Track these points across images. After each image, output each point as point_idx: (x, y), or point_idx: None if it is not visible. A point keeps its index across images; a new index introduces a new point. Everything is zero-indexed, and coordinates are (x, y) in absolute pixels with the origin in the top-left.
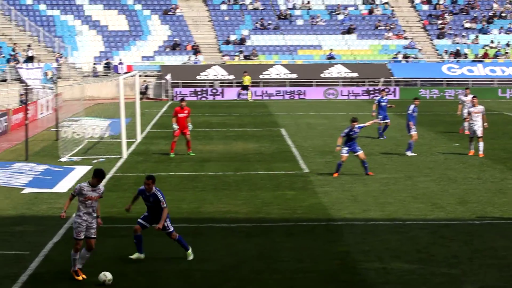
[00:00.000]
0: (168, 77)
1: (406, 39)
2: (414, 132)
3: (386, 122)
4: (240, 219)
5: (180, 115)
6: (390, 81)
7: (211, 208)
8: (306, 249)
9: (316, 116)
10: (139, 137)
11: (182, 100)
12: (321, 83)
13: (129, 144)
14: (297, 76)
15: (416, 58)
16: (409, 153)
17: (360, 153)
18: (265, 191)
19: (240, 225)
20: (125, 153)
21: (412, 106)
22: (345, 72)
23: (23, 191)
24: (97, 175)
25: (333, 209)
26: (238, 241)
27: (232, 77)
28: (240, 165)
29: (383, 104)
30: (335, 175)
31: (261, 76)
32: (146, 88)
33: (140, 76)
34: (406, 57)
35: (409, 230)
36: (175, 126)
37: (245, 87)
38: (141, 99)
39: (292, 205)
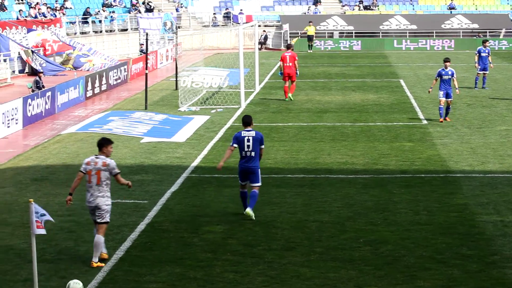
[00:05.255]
0: (287, 26)
1: None
2: None
3: (484, 73)
4: (357, 170)
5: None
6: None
7: (329, 159)
8: (423, 201)
9: (436, 67)
10: (258, 87)
11: (289, 46)
12: (441, 34)
13: (247, 95)
14: (417, 27)
15: None
16: None
17: (450, 100)
18: (383, 143)
19: (357, 177)
20: (243, 103)
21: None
22: (466, 23)
23: (142, 141)
24: (98, 143)
25: (451, 161)
26: (355, 193)
27: (351, 27)
28: (358, 116)
29: (483, 55)
30: (441, 120)
31: (381, 27)
32: (266, 38)
33: (259, 26)
34: None
35: None
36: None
37: (310, 38)
38: (260, 49)
39: (410, 156)
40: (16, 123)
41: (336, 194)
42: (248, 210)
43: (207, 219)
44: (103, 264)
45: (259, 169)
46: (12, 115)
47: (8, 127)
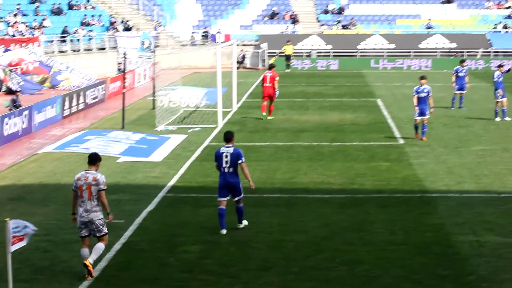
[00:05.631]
0: (265, 45)
1: (507, 8)
2: (503, 99)
3: (461, 93)
4: (334, 190)
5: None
6: (488, 52)
7: (305, 178)
8: (399, 221)
9: (413, 86)
10: (235, 107)
11: (270, 66)
12: (419, 54)
13: (224, 114)
14: (395, 47)
15: None
16: (508, 118)
17: (426, 117)
18: (359, 162)
19: (334, 196)
20: (220, 123)
21: (496, 73)
22: (443, 43)
23: (119, 160)
24: (88, 157)
25: (427, 181)
26: (331, 212)
27: (329, 46)
28: (335, 135)
29: (460, 74)
30: (416, 136)
31: (358, 46)
32: (243, 57)
33: (237, 45)
34: (506, 27)
35: (504, 203)
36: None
37: (287, 57)
38: (238, 68)
39: (386, 176)
40: None
41: (312, 214)
42: (239, 225)
43: (183, 238)
44: (90, 276)
45: (240, 183)
46: None
47: None
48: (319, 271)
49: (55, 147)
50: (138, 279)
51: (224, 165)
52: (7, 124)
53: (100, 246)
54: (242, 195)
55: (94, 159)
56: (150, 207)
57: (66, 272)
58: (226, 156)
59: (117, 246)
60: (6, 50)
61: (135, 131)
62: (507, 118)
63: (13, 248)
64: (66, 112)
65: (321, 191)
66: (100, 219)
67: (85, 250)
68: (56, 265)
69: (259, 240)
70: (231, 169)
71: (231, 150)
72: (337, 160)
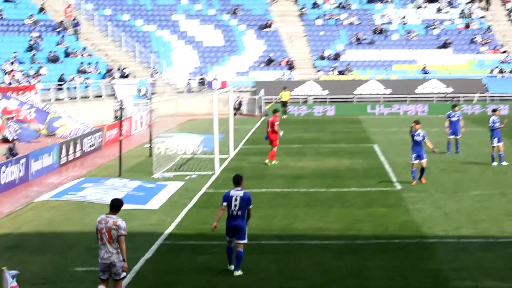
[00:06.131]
0: (262, 92)
1: (503, 53)
2: (500, 143)
3: (456, 138)
4: (331, 236)
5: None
6: (485, 96)
7: (303, 225)
8: (398, 267)
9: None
10: (232, 153)
11: (276, 111)
12: (415, 99)
13: (222, 161)
14: (391, 92)
15: None
16: (504, 163)
17: (424, 161)
18: (357, 208)
19: (332, 243)
20: (217, 170)
21: (492, 118)
22: (440, 88)
23: None
24: (111, 203)
25: (425, 226)
26: (329, 259)
27: (326, 92)
28: (332, 181)
29: (453, 119)
30: (414, 183)
31: (355, 92)
32: (240, 104)
33: (234, 91)
34: (501, 71)
35: (502, 248)
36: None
37: (284, 104)
38: (234, 114)
39: (384, 222)
40: None
41: (310, 260)
42: (235, 273)
43: (181, 286)
44: None
45: (246, 227)
46: None
47: None
48: None
49: (52, 195)
50: None
51: (233, 208)
52: (4, 172)
53: None
54: (245, 241)
55: (117, 206)
56: (148, 254)
57: None
58: (236, 199)
59: None
60: (3, 97)
61: (132, 178)
62: (504, 163)
63: None
64: (63, 160)
65: (319, 237)
66: (120, 261)
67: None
68: None
69: (257, 287)
70: (239, 212)
71: (241, 193)
72: (335, 206)
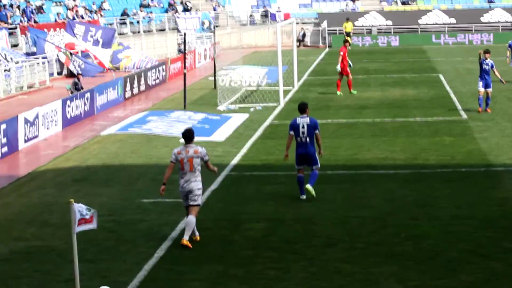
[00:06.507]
0: (325, 24)
1: None
2: None
3: None
4: (397, 165)
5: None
6: None
7: (369, 154)
8: (464, 196)
9: (476, 62)
10: (297, 85)
11: (346, 41)
12: (480, 28)
13: (286, 92)
14: (455, 21)
15: None
16: None
17: (490, 90)
18: (423, 138)
19: (398, 172)
20: (282, 101)
21: None
22: (505, 16)
23: (182, 140)
24: (183, 136)
25: (492, 154)
26: (395, 188)
27: (389, 23)
28: (398, 111)
29: None
30: (479, 110)
31: (419, 21)
32: (304, 35)
33: (297, 23)
34: None
35: None
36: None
37: (347, 34)
38: (298, 46)
39: (450, 151)
40: (56, 125)
41: (376, 190)
42: (308, 186)
43: (247, 216)
44: (190, 246)
45: (316, 152)
46: (52, 117)
47: (48, 129)
48: (384, 247)
49: (118, 129)
50: (202, 257)
51: (300, 135)
52: (69, 106)
53: (191, 220)
54: (319, 165)
55: (190, 136)
56: (214, 186)
57: (131, 252)
58: (303, 127)
59: (182, 225)
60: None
61: (197, 111)
62: None
63: (79, 229)
64: (128, 94)
65: (385, 167)
66: (199, 189)
67: (188, 218)
68: (121, 244)
69: (323, 216)
70: (308, 139)
71: (307, 120)
72: (400, 136)
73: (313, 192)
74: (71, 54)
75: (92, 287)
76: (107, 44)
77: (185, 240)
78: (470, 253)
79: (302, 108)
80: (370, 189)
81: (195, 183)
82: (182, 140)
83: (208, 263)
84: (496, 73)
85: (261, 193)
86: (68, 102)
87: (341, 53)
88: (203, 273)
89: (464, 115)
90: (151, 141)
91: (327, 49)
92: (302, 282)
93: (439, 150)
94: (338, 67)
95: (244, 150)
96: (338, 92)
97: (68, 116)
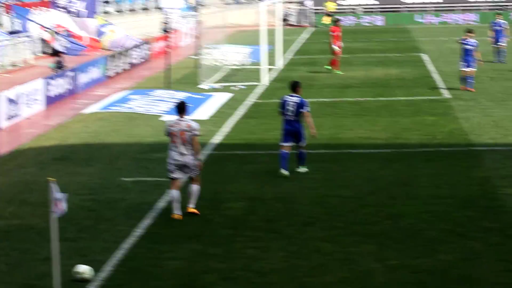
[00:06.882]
0: (310, 3)
1: None
2: None
3: (499, 46)
4: (379, 145)
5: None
6: None
7: (350, 134)
8: (445, 175)
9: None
10: (280, 64)
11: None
12: (465, 7)
13: (269, 71)
14: (441, 1)
15: None
16: None
17: (473, 70)
18: (405, 117)
19: (379, 151)
20: (265, 80)
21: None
22: None
23: (163, 118)
24: (177, 107)
25: (473, 134)
26: (376, 167)
27: (374, 2)
28: (380, 91)
29: (496, 28)
30: (461, 87)
31: (404, 1)
32: (288, 15)
33: (281, 2)
34: None
35: None
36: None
37: (329, 14)
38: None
39: (432, 130)
40: (38, 104)
41: (357, 169)
42: (300, 169)
43: (227, 195)
44: (198, 212)
45: (303, 129)
46: (34, 96)
47: (30, 107)
48: (363, 226)
49: (100, 107)
50: (181, 236)
51: (289, 113)
52: (52, 85)
53: (196, 188)
54: (305, 142)
55: (184, 108)
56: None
57: (110, 231)
58: (291, 105)
59: (161, 203)
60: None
61: (180, 90)
62: None
63: (57, 209)
64: (111, 73)
65: (366, 146)
66: (193, 161)
67: (175, 191)
68: (100, 223)
69: (304, 195)
70: (295, 117)
71: (296, 99)
72: (382, 115)
73: (303, 170)
74: (55, 32)
75: (71, 266)
76: (91, 14)
77: (191, 208)
78: (449, 233)
79: (293, 87)
80: (351, 168)
81: (189, 156)
82: (164, 118)
83: (187, 242)
84: (477, 53)
85: (242, 172)
86: (51, 80)
87: (334, 33)
88: (182, 252)
89: (446, 95)
90: (133, 119)
91: (311, 29)
92: (282, 261)
93: (421, 129)
94: (335, 47)
95: (226, 129)
96: (338, 71)
97: (51, 94)
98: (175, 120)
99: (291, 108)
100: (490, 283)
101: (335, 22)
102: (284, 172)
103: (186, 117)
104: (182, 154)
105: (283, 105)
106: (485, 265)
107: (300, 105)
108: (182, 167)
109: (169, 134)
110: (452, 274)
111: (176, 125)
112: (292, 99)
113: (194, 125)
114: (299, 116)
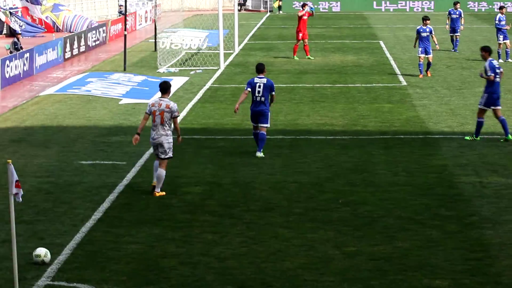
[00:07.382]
0: None
1: None
2: (506, 40)
3: (456, 35)
4: (336, 131)
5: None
6: None
7: (308, 120)
8: (402, 163)
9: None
10: (237, 49)
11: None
12: None
13: (226, 56)
14: None
15: None
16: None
17: (430, 56)
18: (362, 104)
19: (337, 138)
20: (222, 65)
21: (498, 16)
22: None
23: (121, 102)
24: (159, 86)
25: (430, 122)
26: (334, 154)
27: None
28: (337, 77)
29: (454, 16)
30: (420, 76)
31: None
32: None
33: None
34: None
35: (507, 145)
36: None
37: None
38: (239, 10)
39: (389, 118)
40: None
41: (315, 155)
42: (258, 154)
43: (185, 180)
44: (164, 193)
45: (269, 112)
46: None
47: None
48: (321, 212)
49: (57, 90)
50: (140, 220)
51: (256, 94)
52: (8, 66)
53: (161, 173)
54: (268, 125)
55: (166, 88)
56: (152, 148)
57: (69, 214)
58: (260, 86)
59: (120, 187)
60: None
61: (137, 73)
62: (510, 60)
63: (15, 190)
64: (68, 55)
65: (324, 132)
66: (168, 143)
67: (156, 161)
68: (58, 206)
69: (262, 181)
70: (262, 98)
71: (264, 80)
72: (340, 102)
73: (262, 155)
74: (11, 14)
75: (29, 248)
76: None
77: (157, 191)
78: (407, 220)
79: (260, 69)
80: (309, 154)
81: (165, 137)
82: (122, 102)
83: (146, 226)
84: (434, 38)
85: (199, 156)
86: (7, 62)
87: (304, 17)
88: (140, 236)
89: (404, 82)
90: (90, 102)
91: (268, 14)
92: (239, 246)
93: (378, 116)
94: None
95: (183, 113)
96: (295, 57)
97: (7, 76)
98: (157, 99)
99: (260, 90)
100: (447, 270)
101: (303, 6)
102: (258, 154)
103: (167, 97)
104: (158, 134)
105: (252, 86)
106: (442, 252)
107: (270, 87)
108: (158, 146)
109: (151, 113)
110: (410, 261)
111: (158, 105)
112: (261, 80)
113: (173, 106)
114: (267, 98)
